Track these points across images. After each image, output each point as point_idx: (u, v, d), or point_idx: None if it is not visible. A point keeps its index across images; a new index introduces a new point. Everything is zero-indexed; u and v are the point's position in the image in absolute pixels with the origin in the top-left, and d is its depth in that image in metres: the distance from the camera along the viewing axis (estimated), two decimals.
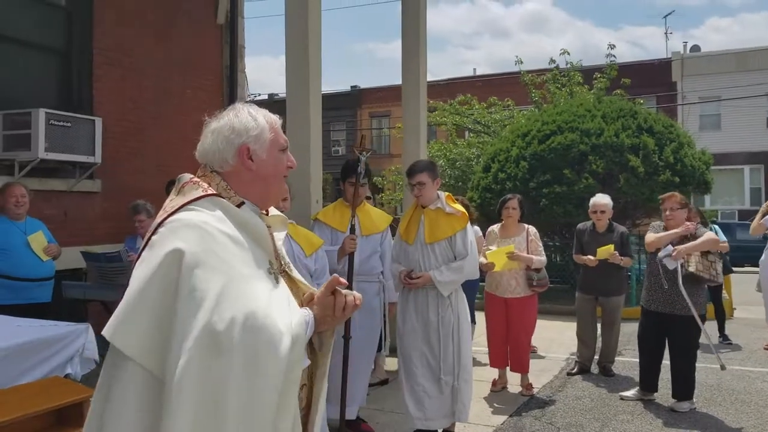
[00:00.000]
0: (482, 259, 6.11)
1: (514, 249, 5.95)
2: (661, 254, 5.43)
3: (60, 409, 2.83)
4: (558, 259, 12.87)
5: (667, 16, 59.87)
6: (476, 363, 7.10)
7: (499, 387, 6.18)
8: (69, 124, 6.29)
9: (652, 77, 26.94)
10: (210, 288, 1.56)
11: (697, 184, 11.70)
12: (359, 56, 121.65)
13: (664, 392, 5.77)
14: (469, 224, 4.74)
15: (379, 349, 5.07)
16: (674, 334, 5.52)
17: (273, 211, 2.00)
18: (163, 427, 1.50)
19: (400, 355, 4.70)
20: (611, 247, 6.42)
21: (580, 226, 6.99)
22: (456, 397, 4.55)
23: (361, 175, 4.53)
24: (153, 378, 1.57)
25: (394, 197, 21.22)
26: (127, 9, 7.47)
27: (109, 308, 5.80)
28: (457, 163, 16.96)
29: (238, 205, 1.78)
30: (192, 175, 1.83)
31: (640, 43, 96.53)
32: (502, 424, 5.24)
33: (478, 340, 7.40)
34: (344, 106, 32.79)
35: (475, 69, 37.75)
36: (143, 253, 1.68)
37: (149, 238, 1.69)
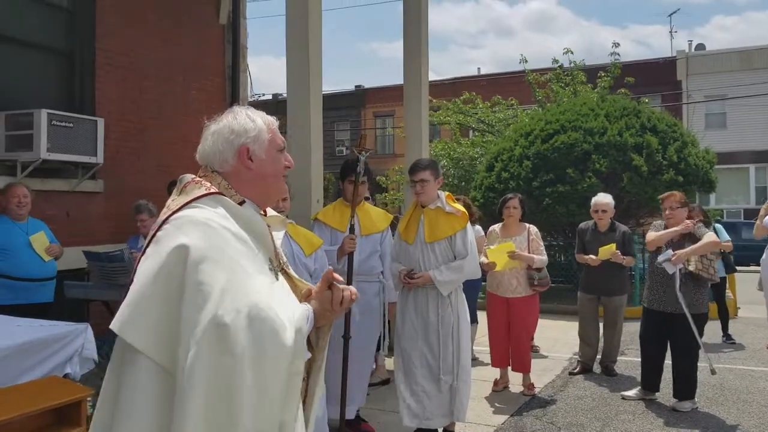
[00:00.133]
0: (483, 259, 6.11)
1: (513, 246, 5.95)
2: (660, 258, 5.42)
3: (58, 408, 2.84)
4: (562, 258, 12.86)
5: (672, 14, 59.34)
6: (478, 363, 7.11)
7: (500, 387, 6.18)
8: (71, 125, 6.31)
9: (657, 76, 26.88)
10: (215, 282, 1.59)
11: (701, 183, 11.68)
12: (363, 56, 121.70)
13: (666, 392, 5.76)
14: (469, 224, 4.74)
15: (378, 348, 5.07)
16: (676, 334, 5.51)
17: (270, 211, 2.05)
18: (175, 418, 1.54)
19: (399, 355, 4.70)
20: (613, 246, 6.41)
21: (582, 225, 6.98)
22: (454, 397, 4.54)
23: (360, 174, 4.53)
24: (164, 372, 1.61)
25: (397, 197, 21.22)
26: (129, 9, 7.48)
27: (111, 308, 5.81)
28: (461, 163, 16.94)
29: (240, 204, 1.83)
30: (194, 176, 1.87)
31: (646, 41, 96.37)
32: (502, 424, 5.24)
33: (480, 340, 7.41)
34: (348, 106, 32.80)
35: (479, 68, 37.73)
36: (148, 249, 1.72)
37: (154, 235, 1.73)
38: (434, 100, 18.42)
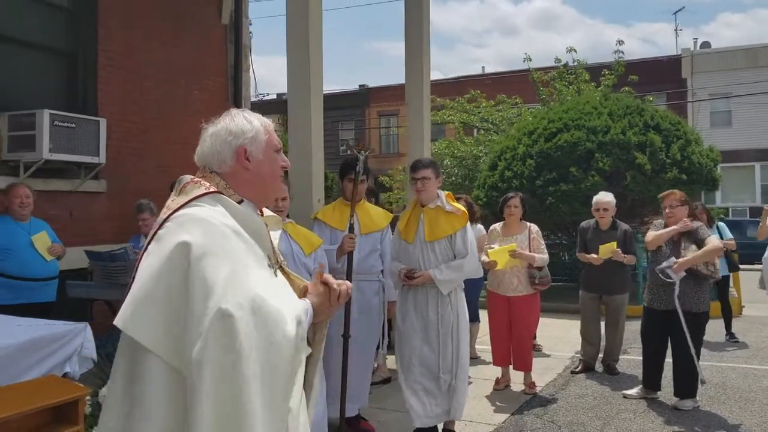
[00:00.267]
0: (485, 258, 6.12)
1: (516, 247, 5.95)
2: (663, 265, 5.41)
3: (56, 407, 2.85)
4: (566, 257, 12.84)
5: (677, 12, 59.07)
6: (480, 361, 7.12)
7: (502, 385, 6.18)
8: (73, 125, 6.33)
9: (662, 74, 26.77)
10: (219, 276, 1.63)
11: (705, 182, 11.65)
12: (368, 55, 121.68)
13: (668, 391, 5.74)
14: (469, 223, 4.75)
15: (378, 347, 5.08)
16: (677, 333, 5.49)
17: (267, 211, 2.10)
18: (188, 413, 1.57)
19: (399, 354, 4.71)
20: (614, 244, 6.40)
21: (583, 224, 6.97)
22: (453, 396, 4.56)
23: (359, 174, 4.54)
24: (176, 372, 1.63)
25: (401, 196, 21.21)
26: (131, 10, 7.50)
27: (113, 308, 5.83)
28: (464, 161, 16.93)
29: (238, 203, 1.87)
30: (192, 176, 1.91)
31: (651, 39, 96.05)
32: (503, 423, 5.24)
33: (482, 339, 7.41)
34: (352, 105, 32.76)
35: (483, 67, 37.65)
36: (150, 247, 1.75)
37: (155, 233, 1.76)
38: (438, 99, 18.42)
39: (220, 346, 1.57)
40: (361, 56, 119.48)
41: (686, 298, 5.40)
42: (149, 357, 1.64)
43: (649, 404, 5.64)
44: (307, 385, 1.96)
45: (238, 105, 8.81)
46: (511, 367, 6.22)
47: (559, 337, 8.52)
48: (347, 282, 1.96)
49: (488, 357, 6.61)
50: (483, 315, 7.22)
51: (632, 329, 7.59)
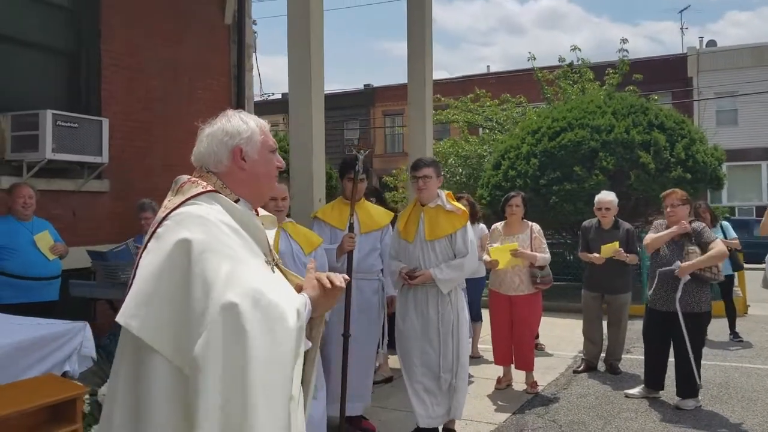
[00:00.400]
0: (486, 257, 6.12)
1: (517, 246, 5.94)
2: (665, 269, 5.39)
3: (54, 405, 2.87)
4: (571, 257, 12.82)
5: (682, 11, 58.85)
6: (482, 360, 7.12)
7: (503, 384, 6.18)
8: (76, 125, 6.35)
9: (668, 73, 26.67)
10: (219, 270, 1.65)
11: (709, 180, 11.60)
12: (374, 55, 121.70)
13: (670, 390, 5.73)
14: (469, 222, 4.75)
15: (379, 346, 5.09)
16: (679, 333, 5.48)
17: (262, 211, 2.13)
18: (192, 407, 1.57)
19: (400, 353, 4.72)
20: (616, 244, 6.39)
21: (585, 223, 6.96)
22: (453, 395, 4.56)
23: (358, 173, 4.54)
24: (180, 372, 1.64)
25: (406, 196, 21.19)
26: (133, 10, 7.52)
27: (115, 307, 5.85)
28: (468, 160, 16.91)
29: (234, 202, 1.90)
30: (189, 176, 1.93)
31: (658, 38, 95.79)
32: (504, 422, 5.24)
33: (485, 338, 7.41)
34: (357, 105, 32.77)
35: (488, 66, 37.59)
36: (149, 245, 1.77)
37: (154, 231, 1.78)
38: (442, 99, 18.40)
39: (224, 339, 1.59)
40: (366, 56, 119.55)
41: (687, 299, 5.38)
42: (153, 356, 1.65)
43: (651, 404, 5.63)
44: (304, 383, 1.96)
45: (241, 105, 8.83)
46: (512, 366, 6.21)
47: (563, 337, 8.51)
48: (342, 275, 1.97)
49: (490, 356, 6.60)
50: (485, 314, 7.22)
51: (635, 329, 7.58)
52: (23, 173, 6.19)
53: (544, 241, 6.21)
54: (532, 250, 6.02)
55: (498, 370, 6.32)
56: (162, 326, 1.65)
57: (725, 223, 8.79)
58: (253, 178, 1.95)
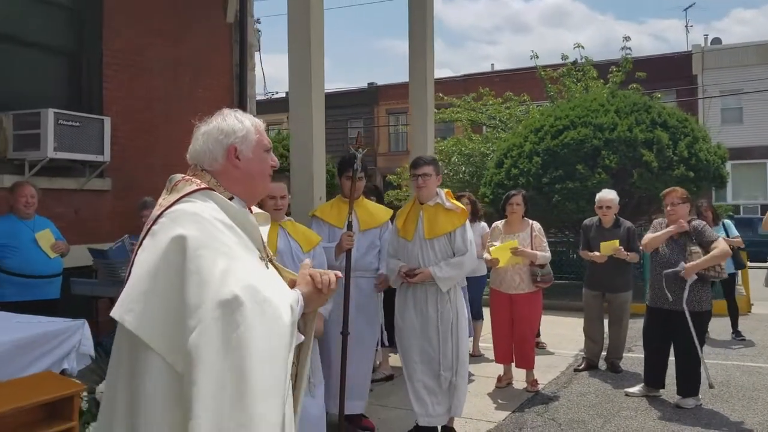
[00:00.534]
0: (487, 255, 6.12)
1: (517, 243, 5.94)
2: (670, 271, 5.39)
3: (51, 402, 2.88)
4: (574, 255, 12.80)
5: (687, 8, 58.70)
6: (483, 359, 7.12)
7: (504, 383, 6.18)
8: (78, 124, 6.38)
9: (673, 71, 26.56)
10: (215, 266, 1.68)
11: (712, 179, 11.58)
12: (377, 53, 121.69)
13: (671, 389, 5.72)
14: (468, 221, 4.75)
15: (382, 344, 5.10)
16: (679, 331, 5.47)
17: (255, 209, 2.15)
18: (188, 399, 1.58)
19: (400, 352, 4.72)
20: (616, 242, 6.38)
21: (586, 221, 6.96)
22: (453, 393, 4.56)
23: (357, 171, 4.55)
24: (175, 372, 1.65)
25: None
26: (136, 9, 7.54)
27: None
28: (471, 159, 16.90)
29: (228, 200, 1.92)
30: (183, 175, 1.95)
31: (663, 36, 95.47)
32: (503, 420, 5.24)
33: (485, 336, 7.40)
34: (361, 104, 32.74)
35: (493, 64, 37.50)
36: (144, 242, 1.80)
37: (149, 228, 1.80)
38: (445, 98, 18.38)
39: (219, 333, 1.61)
40: (370, 54, 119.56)
41: (688, 297, 5.37)
42: (148, 352, 1.67)
43: (651, 402, 5.62)
44: (297, 377, 1.99)
45: (243, 104, 8.85)
46: (513, 364, 6.21)
47: (564, 335, 8.50)
48: (336, 272, 2.00)
49: (491, 354, 6.60)
50: (486, 313, 7.22)
51: (637, 327, 7.54)
52: (25, 172, 6.23)
53: (545, 240, 6.20)
54: (532, 249, 6.02)
55: (498, 369, 6.32)
56: (156, 322, 1.67)
57: (727, 222, 8.76)
58: (248, 177, 1.97)
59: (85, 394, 3.10)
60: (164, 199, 1.88)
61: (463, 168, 16.90)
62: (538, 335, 7.62)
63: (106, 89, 7.23)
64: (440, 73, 47.09)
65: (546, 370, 6.65)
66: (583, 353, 7.09)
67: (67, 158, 6.34)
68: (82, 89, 7.08)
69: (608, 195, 6.68)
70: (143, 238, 1.82)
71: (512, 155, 12.24)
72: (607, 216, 6.64)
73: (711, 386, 5.61)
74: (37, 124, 6.11)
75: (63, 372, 3.46)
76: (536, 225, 6.19)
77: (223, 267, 1.69)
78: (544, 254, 6.04)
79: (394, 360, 6.34)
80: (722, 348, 7.79)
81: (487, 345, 7.22)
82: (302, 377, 2.03)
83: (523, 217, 6.21)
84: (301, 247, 4.25)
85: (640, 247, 6.34)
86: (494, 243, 6.13)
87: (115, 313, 1.71)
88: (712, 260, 5.33)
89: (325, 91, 5.92)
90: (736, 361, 7.16)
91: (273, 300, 1.74)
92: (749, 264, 10.72)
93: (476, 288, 7.30)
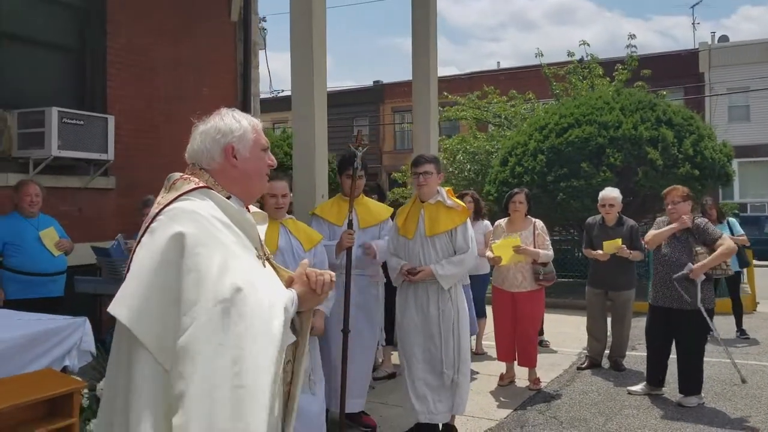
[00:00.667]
0: (489, 253, 6.11)
1: (519, 241, 5.94)
2: (679, 274, 5.38)
3: (51, 399, 2.91)
4: (578, 254, 12.78)
5: (694, 6, 58.45)
6: (485, 357, 7.12)
7: (506, 381, 6.18)
8: (82, 122, 6.41)
9: (680, 68, 26.47)
10: (212, 263, 1.70)
11: (718, 177, 11.53)
12: (383, 51, 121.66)
13: (673, 387, 5.71)
14: (469, 219, 4.75)
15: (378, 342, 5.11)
16: (681, 330, 5.47)
17: (252, 208, 2.16)
18: (179, 393, 1.59)
19: (401, 350, 4.73)
20: (619, 240, 6.37)
21: (589, 220, 6.95)
22: (455, 391, 4.56)
23: (357, 169, 4.56)
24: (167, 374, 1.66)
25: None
26: (140, 7, 7.57)
27: None
28: (476, 157, 16.90)
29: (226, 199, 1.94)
30: (181, 174, 1.97)
31: (671, 33, 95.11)
32: (505, 418, 5.24)
33: (488, 334, 7.40)
34: (367, 102, 32.74)
35: (498, 62, 37.48)
36: (143, 239, 1.81)
37: (148, 226, 1.82)
38: (450, 96, 18.38)
39: (214, 330, 1.62)
40: (376, 52, 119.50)
41: (690, 296, 5.36)
42: (141, 348, 1.68)
43: (653, 401, 5.62)
44: (294, 375, 2.00)
45: (247, 102, 8.87)
46: (515, 362, 6.21)
47: (568, 333, 8.49)
48: (331, 272, 2.01)
49: (494, 353, 6.60)
50: (489, 311, 7.22)
51: (640, 325, 7.52)
52: (29, 170, 6.26)
53: (548, 238, 6.20)
54: (535, 247, 6.01)
55: (501, 367, 6.32)
56: (152, 319, 1.68)
57: (732, 220, 8.74)
58: (245, 176, 1.99)
59: (85, 391, 3.12)
60: (163, 197, 1.90)
61: (468, 166, 16.89)
62: (542, 333, 7.62)
63: (110, 88, 7.26)
64: (446, 71, 46.99)
65: (549, 369, 6.65)
66: (586, 351, 7.09)
67: (71, 156, 6.37)
68: (86, 88, 7.12)
69: (611, 193, 6.67)
70: (142, 236, 1.83)
71: (517, 153, 12.22)
72: (610, 214, 6.62)
73: (743, 381, 5.58)
74: (42, 123, 6.15)
75: (64, 369, 3.48)
76: (539, 223, 6.19)
77: (219, 265, 1.70)
78: (546, 252, 6.03)
79: (396, 358, 6.35)
80: (727, 346, 7.74)
81: (489, 343, 7.22)
82: (299, 375, 2.03)
83: (526, 215, 6.21)
84: (302, 245, 4.27)
85: (644, 245, 6.33)
86: (496, 241, 6.13)
87: (111, 307, 1.73)
88: (719, 258, 5.32)
89: (332, 89, 5.94)
90: (740, 359, 7.11)
91: (267, 299, 1.75)
92: (756, 262, 10.68)
93: (479, 286, 7.30)
